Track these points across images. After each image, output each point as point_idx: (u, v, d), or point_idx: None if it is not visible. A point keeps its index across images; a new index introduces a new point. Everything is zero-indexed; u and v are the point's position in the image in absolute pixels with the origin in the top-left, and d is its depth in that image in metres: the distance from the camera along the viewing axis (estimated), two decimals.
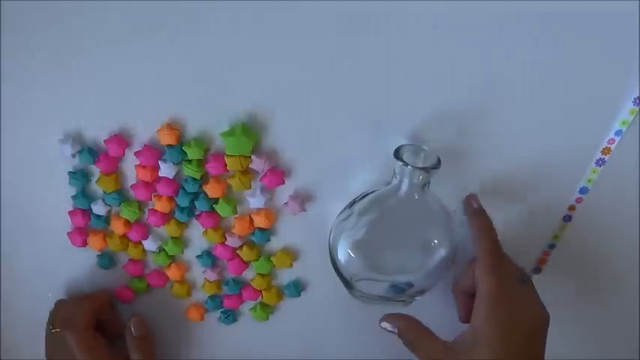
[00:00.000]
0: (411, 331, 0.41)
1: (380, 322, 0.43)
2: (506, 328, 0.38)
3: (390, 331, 0.42)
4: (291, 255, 0.49)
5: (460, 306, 0.45)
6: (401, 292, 0.43)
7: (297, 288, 0.50)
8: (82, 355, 0.46)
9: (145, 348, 0.50)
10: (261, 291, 0.50)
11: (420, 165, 0.41)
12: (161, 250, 0.49)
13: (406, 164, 0.40)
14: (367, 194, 0.43)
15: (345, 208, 0.43)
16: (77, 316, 0.47)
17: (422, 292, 0.44)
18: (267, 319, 0.52)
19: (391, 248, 0.42)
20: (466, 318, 0.44)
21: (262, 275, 0.49)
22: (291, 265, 0.49)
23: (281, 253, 0.48)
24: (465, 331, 0.40)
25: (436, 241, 0.42)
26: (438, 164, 0.40)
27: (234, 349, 0.55)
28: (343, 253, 0.42)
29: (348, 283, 0.44)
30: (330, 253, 0.44)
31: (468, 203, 0.44)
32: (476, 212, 0.43)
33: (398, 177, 0.41)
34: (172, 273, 0.50)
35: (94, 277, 0.51)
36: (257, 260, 0.48)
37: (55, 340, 0.48)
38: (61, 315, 0.49)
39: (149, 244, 0.48)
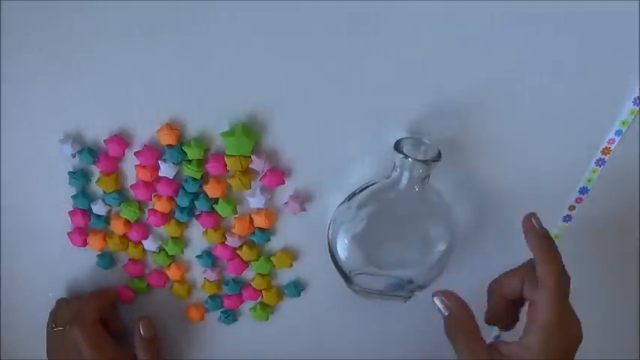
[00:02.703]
0: (461, 324, 0.40)
1: (433, 295, 0.41)
2: (559, 355, 0.38)
3: (439, 310, 0.40)
4: (291, 255, 0.49)
5: (492, 307, 0.43)
6: (400, 287, 0.43)
7: (297, 288, 0.50)
8: (89, 351, 0.46)
9: (153, 349, 0.50)
10: (261, 291, 0.50)
11: (421, 157, 0.40)
12: (161, 250, 0.49)
13: (406, 157, 0.40)
14: (367, 187, 0.43)
15: (344, 201, 0.43)
16: (84, 313, 0.47)
17: (421, 287, 0.44)
18: (267, 319, 0.52)
19: (390, 242, 0.42)
20: (493, 320, 0.43)
21: (262, 275, 0.49)
22: (291, 265, 0.49)
23: (281, 253, 0.48)
24: (516, 346, 0.38)
25: (435, 236, 0.42)
26: (438, 157, 0.40)
27: (234, 349, 0.55)
28: (342, 247, 0.42)
29: (347, 277, 0.44)
30: (329, 246, 0.43)
31: (528, 224, 0.40)
32: (539, 235, 0.40)
33: (398, 170, 0.41)
34: (172, 273, 0.50)
35: (94, 277, 0.51)
36: (257, 260, 0.48)
37: (57, 339, 0.48)
38: (65, 312, 0.49)
39: (149, 244, 0.48)
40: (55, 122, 0.44)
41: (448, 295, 0.40)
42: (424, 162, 0.40)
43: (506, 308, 0.41)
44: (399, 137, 0.42)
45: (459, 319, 0.40)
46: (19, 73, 0.42)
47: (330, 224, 0.44)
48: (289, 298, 0.51)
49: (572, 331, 0.39)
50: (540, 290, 0.38)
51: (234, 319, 0.52)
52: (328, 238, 0.44)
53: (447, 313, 0.40)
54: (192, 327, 0.54)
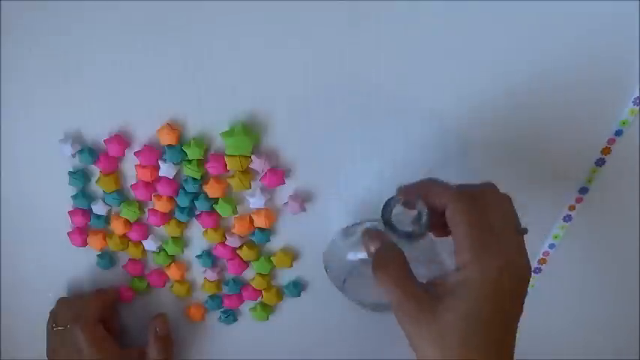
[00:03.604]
0: (389, 258, 0.35)
1: (362, 235, 0.37)
2: (496, 275, 0.32)
3: (366, 247, 0.37)
4: (291, 255, 0.49)
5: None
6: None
7: (297, 288, 0.50)
8: (91, 350, 0.46)
9: (169, 348, 0.50)
10: (261, 291, 0.50)
11: (409, 226, 0.36)
12: (161, 250, 0.49)
13: (392, 229, 0.35)
14: (362, 224, 0.41)
15: (340, 233, 0.43)
16: (86, 312, 0.47)
17: None
18: (267, 319, 0.52)
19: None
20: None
21: (262, 275, 0.49)
22: (291, 265, 0.49)
23: (281, 253, 0.48)
24: (450, 274, 0.34)
25: (435, 271, 0.39)
26: (425, 228, 0.35)
27: (234, 349, 0.55)
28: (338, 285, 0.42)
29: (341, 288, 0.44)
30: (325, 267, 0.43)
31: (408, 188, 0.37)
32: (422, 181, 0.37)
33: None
34: (172, 273, 0.50)
35: (94, 277, 0.51)
36: (257, 260, 0.48)
37: (58, 339, 0.48)
38: (66, 312, 0.48)
39: (149, 244, 0.48)
40: (55, 122, 0.44)
41: (375, 234, 0.37)
42: (409, 236, 0.35)
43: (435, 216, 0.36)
44: (400, 135, 0.42)
45: (387, 253, 0.35)
46: (19, 73, 0.42)
47: (326, 253, 0.43)
48: (289, 298, 0.51)
49: (509, 252, 0.33)
50: (449, 212, 0.34)
51: (234, 319, 0.52)
52: (325, 262, 0.43)
53: (374, 249, 0.36)
54: (192, 327, 0.54)
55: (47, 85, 0.43)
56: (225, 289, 0.51)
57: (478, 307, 0.32)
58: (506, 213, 0.36)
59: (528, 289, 0.50)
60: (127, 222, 0.47)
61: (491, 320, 0.32)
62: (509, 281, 0.33)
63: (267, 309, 0.52)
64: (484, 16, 0.39)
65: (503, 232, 0.34)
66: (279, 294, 0.51)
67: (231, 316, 0.52)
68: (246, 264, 0.49)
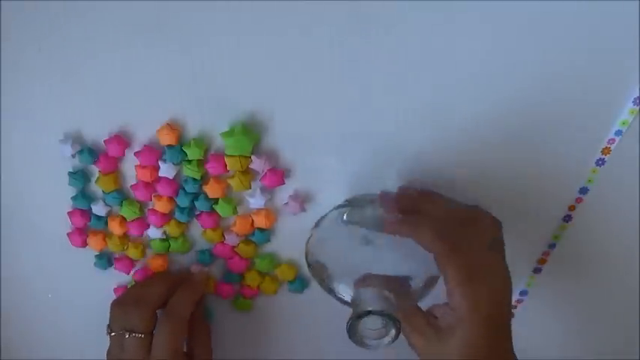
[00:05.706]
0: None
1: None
2: (482, 304, 0.37)
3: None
4: (294, 269, 0.49)
5: None
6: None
7: (302, 284, 0.50)
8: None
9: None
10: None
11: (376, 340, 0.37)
12: (164, 240, 0.48)
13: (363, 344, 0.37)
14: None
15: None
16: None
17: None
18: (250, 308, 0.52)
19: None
20: None
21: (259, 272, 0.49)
22: (294, 279, 0.49)
23: (285, 266, 0.49)
24: (445, 307, 0.39)
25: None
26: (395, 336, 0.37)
27: (234, 349, 0.55)
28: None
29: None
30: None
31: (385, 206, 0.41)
32: (396, 221, 0.39)
33: None
34: None
35: (94, 277, 0.51)
36: (257, 259, 0.49)
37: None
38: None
39: (153, 232, 0.48)
40: (55, 122, 0.44)
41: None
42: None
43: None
44: (399, 135, 0.42)
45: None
46: (19, 74, 0.42)
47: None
48: (290, 298, 0.51)
49: (488, 276, 0.37)
50: (435, 257, 0.37)
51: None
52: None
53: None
54: None
55: (47, 85, 0.43)
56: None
57: (475, 344, 0.37)
58: (493, 243, 0.40)
59: (528, 289, 0.50)
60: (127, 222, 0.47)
61: (486, 344, 0.37)
62: (496, 309, 0.38)
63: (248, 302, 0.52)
64: (483, 16, 0.39)
65: (489, 263, 0.38)
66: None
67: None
68: (245, 262, 0.49)
